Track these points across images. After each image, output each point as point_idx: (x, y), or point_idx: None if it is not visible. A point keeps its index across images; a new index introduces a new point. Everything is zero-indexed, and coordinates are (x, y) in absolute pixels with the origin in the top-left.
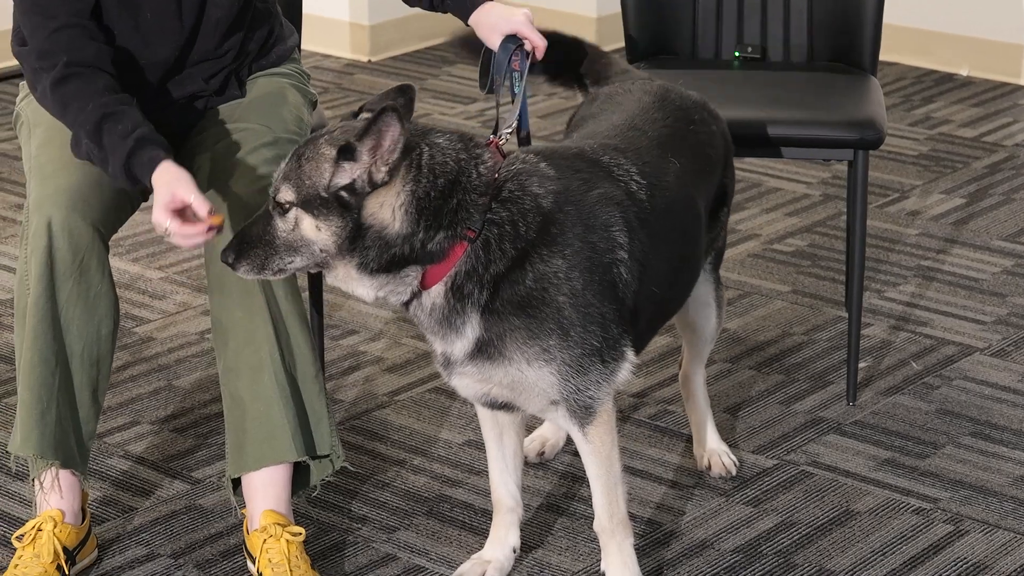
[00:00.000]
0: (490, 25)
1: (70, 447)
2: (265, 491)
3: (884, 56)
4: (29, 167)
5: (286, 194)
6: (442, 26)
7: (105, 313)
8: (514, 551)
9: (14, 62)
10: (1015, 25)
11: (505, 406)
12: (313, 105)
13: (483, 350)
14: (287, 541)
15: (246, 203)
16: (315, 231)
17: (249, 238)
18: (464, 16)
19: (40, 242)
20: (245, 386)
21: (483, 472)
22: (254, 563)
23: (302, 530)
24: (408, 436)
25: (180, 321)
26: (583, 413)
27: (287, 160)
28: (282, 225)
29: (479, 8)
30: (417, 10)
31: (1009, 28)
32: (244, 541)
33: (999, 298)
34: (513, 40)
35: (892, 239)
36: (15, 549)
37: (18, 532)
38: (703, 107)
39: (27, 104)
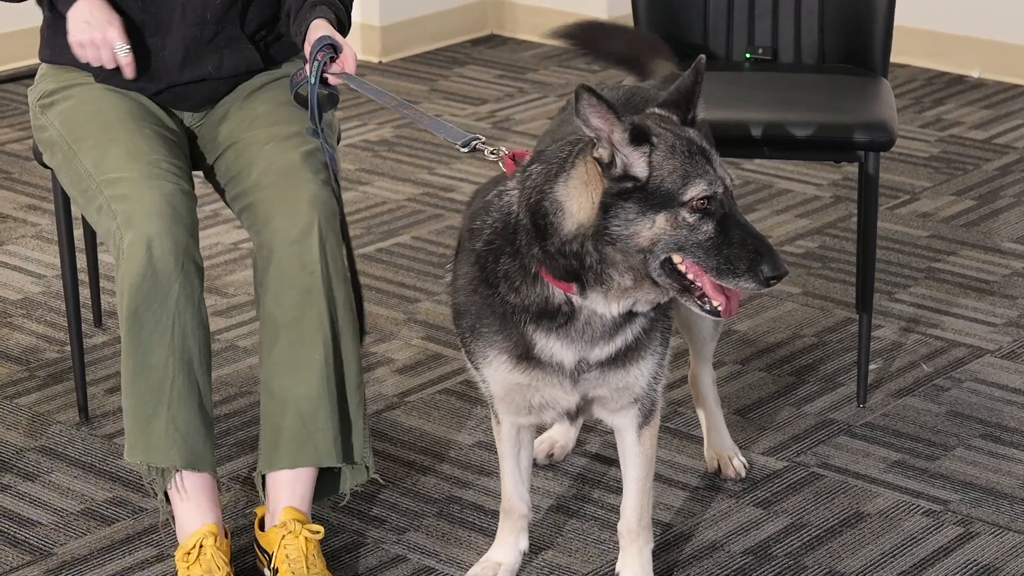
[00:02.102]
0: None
1: (190, 448)
2: (291, 488)
3: (895, 58)
4: (87, 186)
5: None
6: (454, 27)
7: (206, 314)
8: (523, 553)
9: (21, 63)
10: None
11: (579, 413)
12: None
13: (619, 355)
14: (306, 539)
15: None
16: None
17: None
18: (300, 40)
19: (139, 253)
20: (291, 385)
21: (493, 474)
22: (268, 560)
23: (321, 529)
24: (418, 438)
25: None
26: (648, 412)
27: (713, 154)
28: None
29: (309, 29)
30: (428, 11)
31: (1020, 30)
32: (256, 539)
33: (1010, 300)
34: (326, 39)
35: (903, 241)
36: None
37: (180, 551)
38: None
39: (54, 119)
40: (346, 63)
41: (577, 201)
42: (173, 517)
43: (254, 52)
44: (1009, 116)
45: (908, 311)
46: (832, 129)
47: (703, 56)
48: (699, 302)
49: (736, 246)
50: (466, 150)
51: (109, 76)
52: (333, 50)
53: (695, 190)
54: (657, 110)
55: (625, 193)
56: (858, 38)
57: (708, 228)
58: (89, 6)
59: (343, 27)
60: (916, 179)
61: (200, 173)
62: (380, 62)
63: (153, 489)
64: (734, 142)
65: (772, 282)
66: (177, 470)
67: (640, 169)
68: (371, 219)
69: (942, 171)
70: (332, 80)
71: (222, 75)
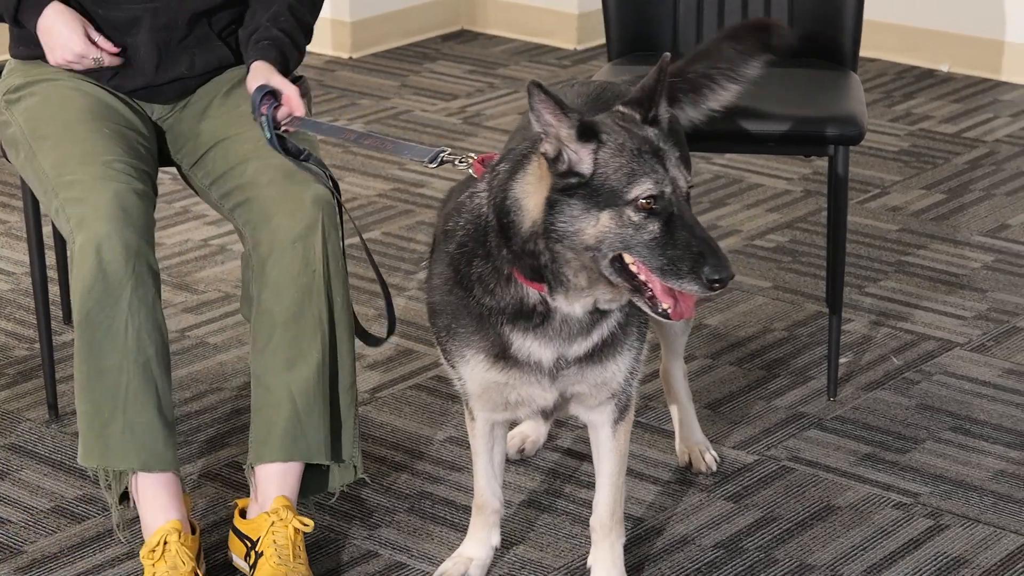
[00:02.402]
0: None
1: (149, 450)
2: (283, 479)
3: (865, 52)
4: (46, 187)
5: (689, 179)
6: (424, 22)
7: (161, 315)
8: (494, 548)
9: None
10: (996, 21)
11: (555, 410)
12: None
13: (596, 350)
14: (295, 529)
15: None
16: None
17: (714, 241)
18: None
19: (89, 257)
20: (286, 381)
21: (464, 469)
22: (250, 547)
23: (311, 522)
24: (389, 433)
25: None
26: (623, 408)
27: (669, 154)
28: None
29: (249, 73)
30: (399, 6)
31: (990, 24)
32: (235, 528)
33: (979, 293)
34: (264, 88)
35: (873, 235)
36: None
37: (145, 549)
38: None
39: (18, 115)
40: (291, 106)
41: (532, 198)
42: (124, 523)
43: (225, 48)
44: (979, 110)
45: (878, 305)
46: (802, 123)
47: (667, 55)
48: (649, 303)
49: (680, 247)
50: (434, 165)
51: (85, 74)
52: (274, 97)
53: (640, 188)
54: (621, 108)
55: (570, 189)
56: (828, 32)
57: (653, 228)
58: (54, 20)
59: (287, 61)
60: (886, 173)
61: (172, 171)
62: (350, 58)
63: (108, 493)
64: (704, 137)
65: (716, 286)
66: (135, 472)
67: (586, 166)
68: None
69: (912, 165)
70: (286, 128)
71: (195, 74)
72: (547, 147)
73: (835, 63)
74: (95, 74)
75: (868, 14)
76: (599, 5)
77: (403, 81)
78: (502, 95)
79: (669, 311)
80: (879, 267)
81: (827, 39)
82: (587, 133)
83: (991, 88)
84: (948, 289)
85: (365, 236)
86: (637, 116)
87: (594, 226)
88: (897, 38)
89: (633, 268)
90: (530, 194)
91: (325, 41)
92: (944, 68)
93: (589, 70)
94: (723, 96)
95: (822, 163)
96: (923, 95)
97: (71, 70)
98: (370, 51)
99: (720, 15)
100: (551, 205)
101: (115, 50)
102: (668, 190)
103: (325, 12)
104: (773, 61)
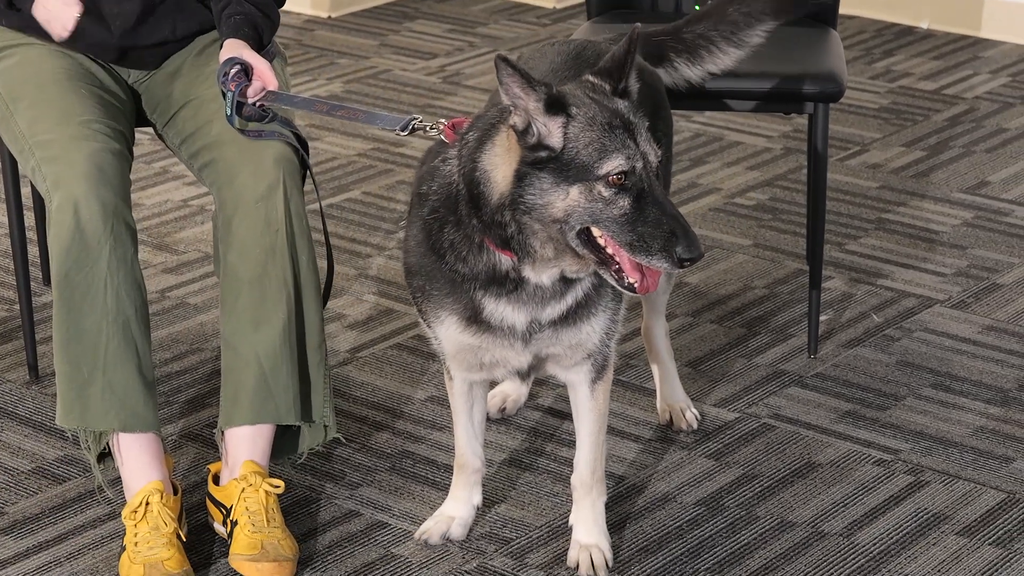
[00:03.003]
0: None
1: (129, 410)
2: (252, 443)
3: (844, 9)
4: (22, 147)
5: (659, 154)
6: None
7: (140, 274)
8: (476, 507)
9: None
10: None
11: (531, 371)
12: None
13: (570, 313)
14: (266, 492)
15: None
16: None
17: (683, 218)
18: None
19: (66, 217)
20: (253, 341)
21: (445, 428)
22: (226, 515)
23: (281, 483)
24: (370, 393)
25: None
26: (601, 367)
27: (639, 128)
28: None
29: (227, 43)
30: None
31: None
32: (210, 494)
33: (959, 250)
34: (233, 61)
35: (853, 192)
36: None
37: (127, 510)
38: None
39: None
40: (264, 80)
41: (501, 171)
42: (104, 484)
43: (205, 11)
44: (958, 67)
45: (858, 262)
46: (782, 80)
47: (638, 25)
48: (616, 276)
49: (651, 224)
50: (406, 133)
51: (65, 43)
52: (245, 74)
53: (611, 164)
54: (591, 78)
55: (540, 163)
56: None
57: (624, 203)
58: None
59: (261, 35)
60: (866, 130)
61: (150, 131)
62: (329, 17)
63: (88, 454)
64: (684, 95)
65: (686, 264)
66: (115, 432)
67: (555, 139)
68: (322, 175)
69: (892, 122)
70: (255, 102)
71: (177, 38)
72: (516, 120)
73: (815, 20)
74: (81, 42)
75: None
76: None
77: (382, 40)
78: (481, 54)
79: (636, 285)
80: (859, 224)
81: None
82: (556, 106)
83: (971, 45)
84: (928, 246)
85: (346, 196)
86: (607, 87)
87: (563, 200)
88: None
89: (600, 241)
90: (498, 166)
91: (304, 0)
92: (924, 25)
93: (568, 29)
94: (722, 60)
95: (802, 121)
96: (903, 52)
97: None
98: (349, 10)
99: None
100: (520, 178)
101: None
102: (639, 165)
103: None
104: (777, 27)
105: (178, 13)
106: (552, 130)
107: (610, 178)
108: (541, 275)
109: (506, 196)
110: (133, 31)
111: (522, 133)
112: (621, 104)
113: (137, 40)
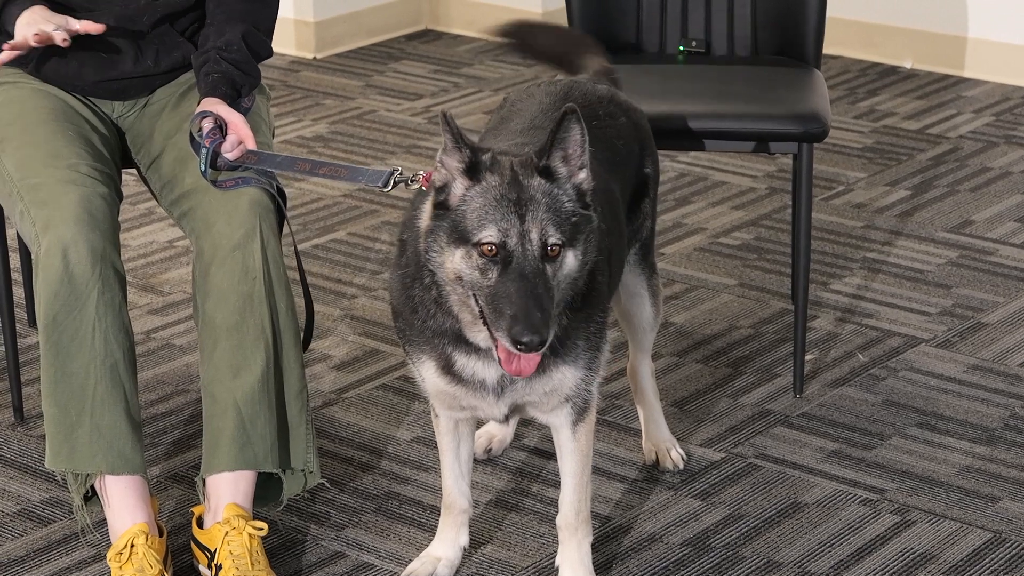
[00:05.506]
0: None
1: (116, 453)
2: (234, 486)
3: (828, 49)
4: (10, 190)
5: (555, 237)
6: (388, 22)
7: (128, 318)
8: (463, 548)
9: None
10: (958, 17)
11: (513, 413)
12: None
13: (540, 363)
14: (249, 535)
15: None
16: (576, 261)
17: (540, 304)
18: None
19: (55, 261)
20: (229, 389)
21: (431, 469)
22: (210, 559)
23: (265, 526)
24: (356, 433)
25: None
26: (581, 410)
27: (536, 206)
28: (552, 271)
29: (203, 101)
30: (362, 6)
31: (952, 20)
32: (194, 537)
33: (944, 289)
34: (205, 114)
35: (837, 231)
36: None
37: (112, 552)
38: (611, 100)
39: None
40: (239, 135)
41: (423, 224)
42: (89, 527)
43: (188, 45)
44: (942, 106)
45: (843, 301)
46: (766, 121)
47: (571, 104)
48: (496, 351)
49: (505, 300)
50: (389, 188)
51: (50, 71)
52: (220, 129)
53: (482, 233)
54: (533, 153)
55: (440, 219)
56: (791, 30)
57: (491, 275)
58: (32, 16)
59: (239, 91)
60: (850, 170)
61: (135, 173)
62: (314, 58)
63: (75, 495)
64: (669, 134)
65: (519, 347)
66: (102, 474)
67: (454, 199)
68: (307, 215)
69: (876, 162)
70: (238, 163)
71: (160, 70)
72: (436, 175)
73: (798, 60)
74: (56, 76)
75: (831, 11)
76: (563, 4)
77: (367, 81)
78: (466, 94)
79: (502, 359)
80: (844, 264)
81: (790, 36)
82: (473, 170)
83: (954, 84)
84: (913, 285)
85: (331, 236)
86: (533, 163)
87: (451, 260)
88: (860, 35)
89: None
90: (423, 220)
91: (289, 41)
92: (907, 64)
93: (552, 71)
94: None
95: (787, 160)
96: (886, 92)
97: (39, 75)
98: (334, 51)
99: (684, 13)
100: (428, 232)
101: (94, 26)
102: (513, 242)
103: (288, 12)
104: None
105: (159, 45)
106: (458, 191)
107: (482, 247)
108: (477, 337)
109: (421, 251)
110: (116, 60)
111: (438, 189)
112: (535, 182)
113: (121, 69)
